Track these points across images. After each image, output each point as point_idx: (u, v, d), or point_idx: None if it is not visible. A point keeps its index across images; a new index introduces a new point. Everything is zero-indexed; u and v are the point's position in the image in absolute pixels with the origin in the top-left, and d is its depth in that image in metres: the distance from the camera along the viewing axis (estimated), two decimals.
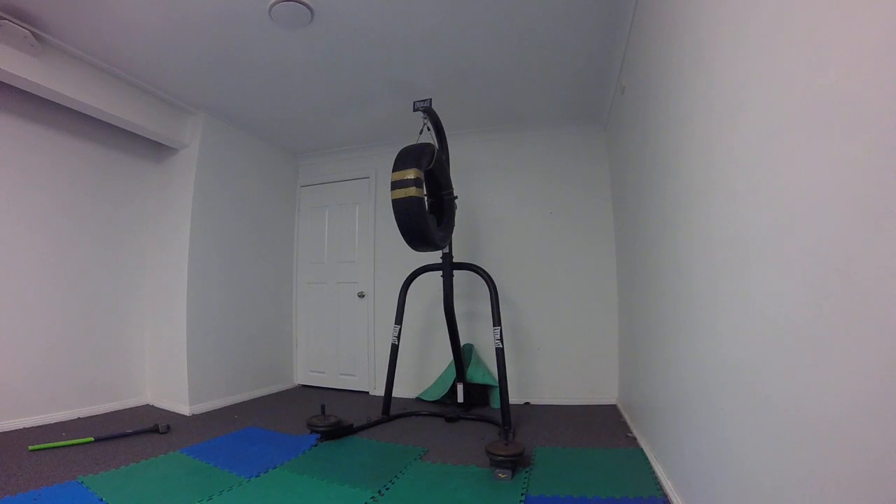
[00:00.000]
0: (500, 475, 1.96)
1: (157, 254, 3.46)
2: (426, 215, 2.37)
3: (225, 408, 3.36)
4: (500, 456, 1.96)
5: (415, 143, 2.54)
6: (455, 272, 3.02)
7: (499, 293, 2.90)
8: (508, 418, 2.63)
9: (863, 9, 0.67)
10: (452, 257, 3.02)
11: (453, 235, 3.10)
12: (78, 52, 2.58)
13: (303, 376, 4.31)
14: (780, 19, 0.89)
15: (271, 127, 3.78)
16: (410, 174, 2.30)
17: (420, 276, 3.15)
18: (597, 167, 3.61)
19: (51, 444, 2.28)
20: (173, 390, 3.22)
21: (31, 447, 2.23)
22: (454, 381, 3.26)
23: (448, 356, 3.50)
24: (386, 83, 3.03)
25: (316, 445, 2.45)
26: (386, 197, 3.83)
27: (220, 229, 3.54)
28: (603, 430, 2.69)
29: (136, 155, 3.43)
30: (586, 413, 3.12)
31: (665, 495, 1.73)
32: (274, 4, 2.20)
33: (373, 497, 1.79)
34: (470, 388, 3.28)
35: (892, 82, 0.61)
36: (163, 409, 3.22)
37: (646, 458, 2.14)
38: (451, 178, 3.00)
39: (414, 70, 2.86)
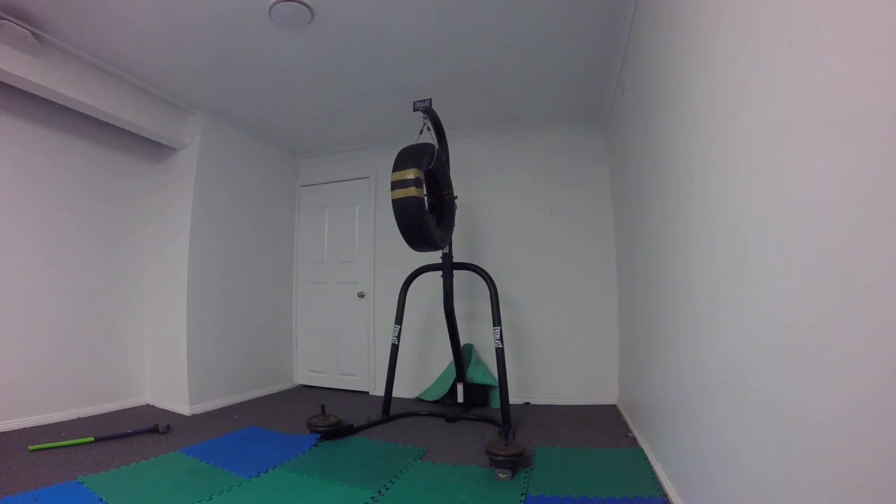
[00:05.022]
0: (500, 475, 1.96)
1: (157, 254, 3.46)
2: (426, 215, 2.37)
3: (225, 408, 3.36)
4: (500, 456, 1.96)
5: (415, 143, 2.54)
6: (455, 272, 3.02)
7: (499, 293, 2.90)
8: (508, 418, 2.63)
9: (863, 9, 0.67)
10: (452, 257, 3.02)
11: (453, 235, 3.10)
12: (78, 52, 2.58)
13: (303, 376, 4.31)
14: (780, 19, 0.89)
15: (271, 127, 3.78)
16: (410, 174, 2.30)
17: (420, 276, 3.15)
18: (597, 167, 3.61)
19: (51, 444, 2.28)
20: (173, 390, 3.22)
21: (31, 447, 2.23)
22: (454, 381, 3.26)
23: (448, 356, 3.50)
24: (386, 83, 3.03)
25: (316, 445, 2.45)
26: (386, 197, 3.84)
27: (220, 229, 3.54)
28: (603, 430, 2.69)
29: (136, 155, 3.43)
30: (586, 413, 3.12)
31: (665, 495, 1.73)
32: (274, 4, 2.20)
33: (373, 497, 1.79)
34: (470, 388, 3.28)
35: (892, 82, 0.61)
36: (163, 409, 3.22)
37: (646, 458, 2.14)
38: (451, 178, 3.00)
39: (414, 70, 2.86)
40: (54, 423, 2.72)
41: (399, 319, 3.11)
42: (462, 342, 3.44)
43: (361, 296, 4.10)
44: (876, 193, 0.64)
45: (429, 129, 2.82)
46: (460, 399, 3.19)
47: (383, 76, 2.94)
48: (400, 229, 2.39)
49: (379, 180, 4.12)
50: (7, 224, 2.67)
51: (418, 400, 3.64)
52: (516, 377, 3.47)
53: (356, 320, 4.11)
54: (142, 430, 2.61)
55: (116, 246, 3.29)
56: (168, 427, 2.69)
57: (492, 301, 2.83)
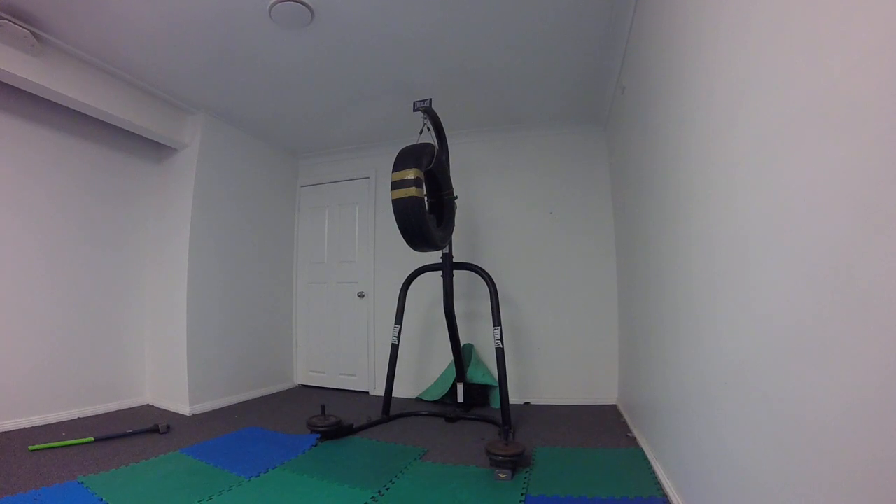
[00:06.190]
0: (500, 475, 1.96)
1: (157, 254, 3.46)
2: (426, 215, 2.37)
3: (225, 408, 3.36)
4: (500, 456, 1.96)
5: (415, 143, 2.54)
6: (455, 272, 3.02)
7: (499, 293, 2.90)
8: (508, 418, 2.63)
9: (862, 9, 0.67)
10: (452, 257, 3.02)
11: (453, 235, 3.10)
12: (78, 52, 2.58)
13: (303, 376, 4.31)
14: (780, 19, 0.89)
15: (271, 127, 3.78)
16: (410, 174, 2.30)
17: (420, 276, 3.15)
18: (597, 167, 3.61)
19: (51, 444, 2.28)
20: (173, 390, 3.22)
21: (31, 447, 2.23)
22: (454, 381, 3.26)
23: (448, 356, 3.50)
24: (386, 83, 3.03)
25: (316, 445, 2.45)
26: (386, 197, 3.84)
27: (220, 229, 3.54)
28: (603, 430, 2.69)
29: (136, 155, 3.43)
30: (586, 413, 3.12)
31: (665, 495, 1.73)
32: (274, 4, 2.20)
33: (373, 497, 1.79)
34: (470, 388, 3.28)
35: (892, 82, 0.61)
36: (163, 409, 3.22)
37: (646, 458, 2.14)
38: (451, 178, 3.00)
39: (414, 70, 2.86)
40: (54, 423, 2.72)
41: (399, 319, 3.11)
42: (462, 342, 3.44)
43: (361, 296, 4.10)
44: (876, 193, 0.64)
45: (429, 129, 2.82)
46: (460, 399, 3.19)
47: (383, 76, 2.94)
48: (400, 229, 2.39)
49: (379, 180, 4.12)
50: (7, 224, 2.67)
51: (418, 400, 3.64)
52: (516, 377, 3.47)
53: (356, 320, 4.11)
54: (142, 430, 2.61)
55: (116, 246, 3.29)
56: (168, 427, 2.69)
57: (492, 301, 2.83)
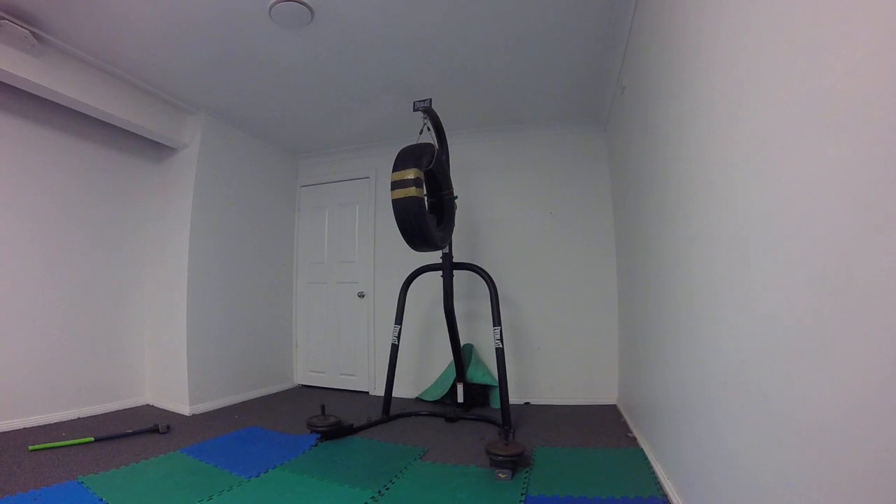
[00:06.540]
0: (500, 475, 1.96)
1: (157, 253, 3.46)
2: (426, 215, 2.37)
3: (225, 408, 3.36)
4: (500, 456, 1.96)
5: (415, 143, 2.54)
6: (455, 272, 3.02)
7: (499, 293, 2.90)
8: (508, 418, 2.63)
9: (862, 9, 0.67)
10: (452, 257, 3.02)
11: (453, 235, 3.10)
12: (78, 52, 2.58)
13: (303, 376, 4.31)
14: (780, 19, 0.89)
15: (271, 127, 3.78)
16: (410, 174, 2.30)
17: (420, 276, 3.15)
18: (597, 167, 3.61)
19: (51, 444, 2.28)
20: (173, 390, 3.22)
21: (31, 447, 2.23)
22: (454, 381, 3.26)
23: (448, 356, 3.50)
24: (386, 83, 3.03)
25: (316, 445, 2.45)
26: (386, 197, 3.84)
27: (220, 229, 3.54)
28: (603, 430, 2.69)
29: (136, 155, 3.43)
30: (586, 413, 3.11)
31: (665, 495, 1.73)
32: (274, 4, 2.20)
33: (373, 497, 1.79)
34: (470, 388, 3.28)
35: (892, 82, 0.61)
36: (163, 409, 3.21)
37: (646, 458, 2.14)
38: (451, 178, 3.00)
39: (414, 70, 2.86)
40: (54, 423, 2.72)
41: (399, 319, 3.11)
42: (462, 342, 3.44)
43: (361, 296, 4.10)
44: (876, 193, 0.64)
45: (429, 129, 2.82)
46: (460, 399, 3.19)
47: (383, 76, 2.94)
48: (400, 229, 2.39)
49: (379, 180, 4.12)
50: (7, 224, 2.67)
51: (418, 400, 3.64)
52: (516, 377, 3.46)
53: (356, 320, 4.11)
54: (142, 430, 2.61)
55: (116, 246, 3.29)
56: (168, 427, 2.69)
57: (492, 301, 2.83)
